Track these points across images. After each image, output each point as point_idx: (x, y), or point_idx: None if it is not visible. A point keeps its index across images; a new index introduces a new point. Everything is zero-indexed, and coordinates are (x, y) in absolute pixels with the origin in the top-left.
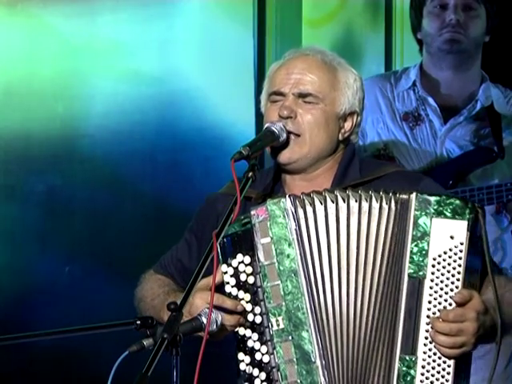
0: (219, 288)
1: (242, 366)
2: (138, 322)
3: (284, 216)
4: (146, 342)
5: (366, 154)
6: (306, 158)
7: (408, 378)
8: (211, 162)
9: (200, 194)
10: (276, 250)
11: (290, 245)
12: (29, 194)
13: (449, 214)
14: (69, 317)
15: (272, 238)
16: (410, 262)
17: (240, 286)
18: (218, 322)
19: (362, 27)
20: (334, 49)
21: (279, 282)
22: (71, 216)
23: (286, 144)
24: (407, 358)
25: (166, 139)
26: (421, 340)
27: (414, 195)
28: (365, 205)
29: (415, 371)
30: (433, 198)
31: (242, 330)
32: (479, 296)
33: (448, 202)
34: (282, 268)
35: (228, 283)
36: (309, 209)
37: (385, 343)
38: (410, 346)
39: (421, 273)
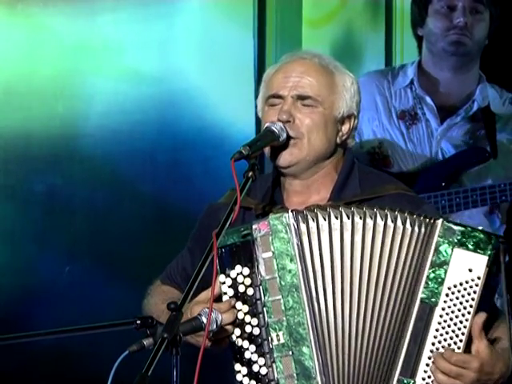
0: (217, 299)
1: (239, 377)
2: (138, 322)
3: (286, 231)
4: (146, 342)
5: (361, 151)
6: (305, 160)
7: None
8: (211, 161)
9: (200, 193)
10: (278, 264)
11: (291, 260)
12: (29, 193)
13: (471, 247)
14: (69, 317)
15: (274, 253)
16: (425, 288)
17: (238, 296)
18: (218, 322)
19: (362, 27)
20: (334, 49)
21: (280, 296)
22: (71, 216)
23: (285, 145)
24: (405, 380)
25: (166, 139)
26: (422, 366)
27: (440, 221)
28: (369, 222)
29: None
30: (458, 228)
31: (239, 341)
32: (489, 346)
33: (472, 234)
34: (283, 283)
35: (226, 293)
36: (312, 224)
37: (385, 363)
38: (410, 370)
39: (433, 299)
